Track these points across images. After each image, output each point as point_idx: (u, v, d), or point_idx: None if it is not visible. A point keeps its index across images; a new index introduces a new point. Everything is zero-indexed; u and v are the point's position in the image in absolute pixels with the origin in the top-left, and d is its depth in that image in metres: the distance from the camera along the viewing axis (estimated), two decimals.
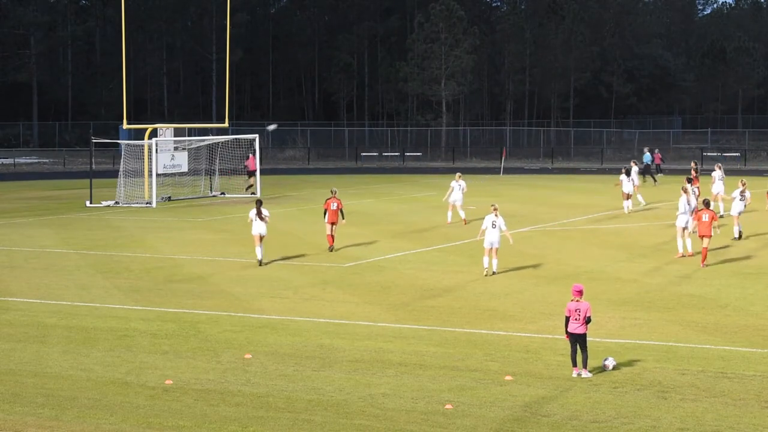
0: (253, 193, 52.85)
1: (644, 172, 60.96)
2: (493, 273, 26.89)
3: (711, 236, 28.12)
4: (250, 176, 53.98)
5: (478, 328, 20.17)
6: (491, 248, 26.77)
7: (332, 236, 31.64)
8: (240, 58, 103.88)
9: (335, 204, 31.47)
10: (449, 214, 39.41)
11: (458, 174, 40.33)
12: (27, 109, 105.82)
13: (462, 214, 39.27)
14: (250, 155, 54.74)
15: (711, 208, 38.79)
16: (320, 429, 13.86)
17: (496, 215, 26.74)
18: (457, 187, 39.25)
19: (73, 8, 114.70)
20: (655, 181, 60.48)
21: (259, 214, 28.83)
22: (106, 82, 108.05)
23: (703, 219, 28.01)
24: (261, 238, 28.96)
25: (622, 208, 43.05)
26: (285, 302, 23.15)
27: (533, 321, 20.84)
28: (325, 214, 31.80)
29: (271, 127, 60.43)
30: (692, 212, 29.86)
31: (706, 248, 28.19)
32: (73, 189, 58.98)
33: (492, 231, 26.70)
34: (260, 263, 28.93)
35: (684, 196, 29.90)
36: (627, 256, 30.10)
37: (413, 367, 17.08)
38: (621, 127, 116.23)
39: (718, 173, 41.10)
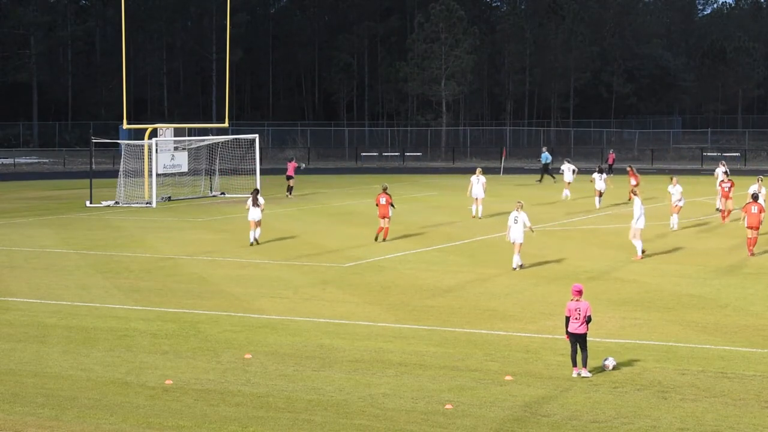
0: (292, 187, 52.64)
1: (543, 171, 63.24)
2: (520, 267, 27.36)
3: (759, 227, 29.78)
4: (288, 179, 53.12)
5: (478, 328, 20.17)
6: (518, 243, 27.24)
7: (381, 228, 33.40)
8: (240, 58, 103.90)
9: (384, 199, 33.07)
10: (473, 207, 41.05)
11: (478, 169, 42.01)
12: (27, 109, 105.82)
13: (479, 210, 40.67)
14: (288, 162, 54.23)
15: (720, 206, 39.22)
16: (320, 429, 13.86)
17: (518, 211, 27.14)
18: (476, 182, 40.65)
19: (73, 8, 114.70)
20: (554, 179, 61.68)
21: (254, 201, 32.59)
22: (106, 82, 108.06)
23: (752, 211, 29.58)
24: (256, 223, 32.68)
25: (595, 205, 45.57)
26: (285, 302, 23.15)
27: (533, 321, 20.84)
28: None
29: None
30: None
31: (756, 238, 29.92)
32: (73, 189, 58.98)
33: (515, 227, 27.11)
34: (255, 243, 32.67)
35: (637, 199, 29.81)
36: (627, 256, 30.07)
37: (413, 367, 17.08)
38: (621, 127, 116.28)
39: (720, 169, 42.49)
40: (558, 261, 29.05)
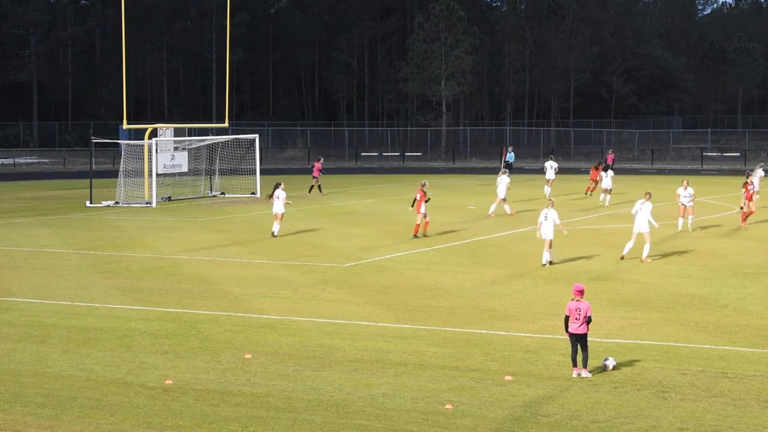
0: (314, 187, 53.28)
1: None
2: (550, 263, 28.09)
3: None
4: (315, 179, 53.89)
5: (478, 328, 20.17)
6: (548, 240, 28.01)
7: (418, 225, 34.34)
8: (240, 58, 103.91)
9: (418, 195, 33.94)
10: (493, 206, 42.18)
11: (502, 170, 43.48)
12: (27, 109, 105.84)
13: (505, 207, 41.73)
14: (315, 162, 55.04)
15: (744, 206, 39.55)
16: (320, 429, 13.86)
17: (548, 209, 28.04)
18: (500, 182, 41.93)
19: (73, 8, 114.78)
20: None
21: (272, 195, 34.67)
22: (106, 82, 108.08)
23: None
24: (279, 216, 34.64)
25: (603, 202, 46.75)
26: (285, 302, 23.15)
27: (533, 321, 20.84)
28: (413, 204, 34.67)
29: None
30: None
31: None
32: (73, 189, 58.97)
33: (545, 224, 27.94)
34: (273, 234, 34.60)
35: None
36: (626, 255, 30.04)
37: (413, 367, 17.08)
38: (621, 127, 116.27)
39: (759, 172, 43.36)
40: (558, 261, 29.03)
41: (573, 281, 22.08)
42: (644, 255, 29.07)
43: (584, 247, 32.18)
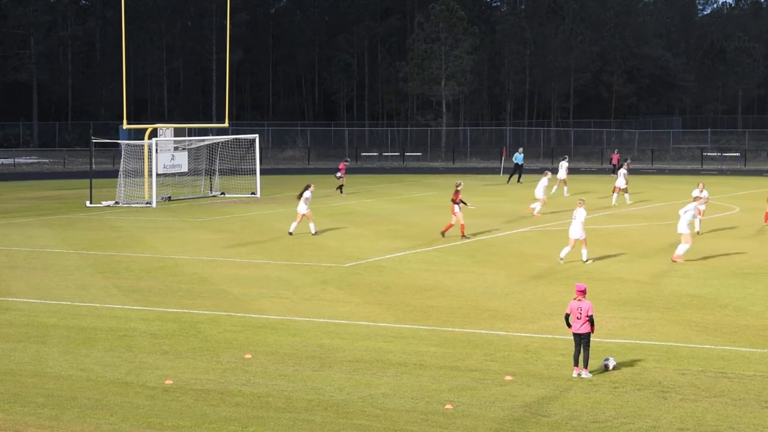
0: (340, 187, 53.90)
1: (513, 171, 63.74)
2: (584, 261, 28.49)
3: None
4: (339, 179, 54.32)
5: (478, 328, 20.16)
6: (573, 239, 28.45)
7: (451, 225, 34.11)
8: (240, 58, 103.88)
9: (454, 197, 33.97)
10: (538, 206, 42.51)
11: (546, 171, 44.30)
12: (27, 109, 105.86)
13: (536, 207, 42.03)
14: (342, 163, 55.54)
15: None
16: (320, 429, 13.86)
17: (578, 208, 28.46)
18: (539, 183, 42.68)
19: (73, 8, 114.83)
20: (519, 180, 62.65)
21: (300, 195, 35.20)
22: (106, 82, 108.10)
23: None
24: (299, 216, 35.07)
25: (612, 201, 47.49)
26: (285, 302, 23.15)
27: (533, 321, 20.84)
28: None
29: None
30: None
31: None
32: (73, 189, 58.97)
33: (573, 222, 28.38)
34: (315, 233, 35.04)
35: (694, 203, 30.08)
36: (627, 256, 30.08)
37: (413, 367, 17.08)
38: (621, 127, 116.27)
39: None
40: (558, 261, 29.02)
41: (573, 281, 22.10)
42: (677, 253, 28.89)
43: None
